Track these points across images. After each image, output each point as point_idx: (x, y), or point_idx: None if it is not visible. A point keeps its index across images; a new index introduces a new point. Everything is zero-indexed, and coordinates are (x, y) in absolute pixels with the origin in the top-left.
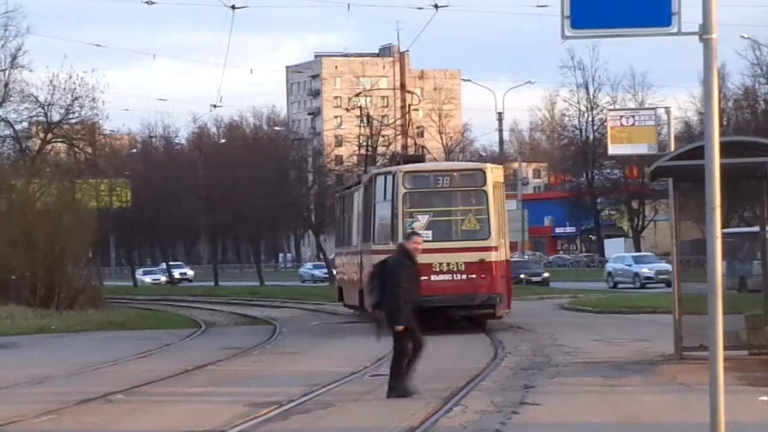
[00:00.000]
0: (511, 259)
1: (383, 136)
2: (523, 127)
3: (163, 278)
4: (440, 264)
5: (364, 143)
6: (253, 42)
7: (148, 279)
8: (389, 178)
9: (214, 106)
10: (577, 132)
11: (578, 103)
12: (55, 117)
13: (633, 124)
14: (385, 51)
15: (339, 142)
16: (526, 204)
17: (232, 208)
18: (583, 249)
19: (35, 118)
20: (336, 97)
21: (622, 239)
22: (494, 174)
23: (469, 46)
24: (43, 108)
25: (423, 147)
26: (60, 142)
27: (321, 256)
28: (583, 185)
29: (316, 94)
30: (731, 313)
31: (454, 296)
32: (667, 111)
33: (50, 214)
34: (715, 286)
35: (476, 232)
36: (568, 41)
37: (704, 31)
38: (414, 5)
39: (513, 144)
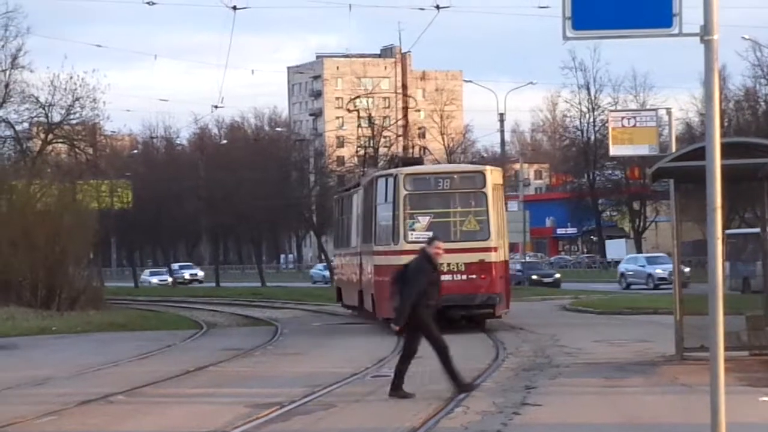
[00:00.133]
0: (526, 261)
1: (385, 137)
2: (525, 128)
3: (171, 279)
4: (440, 264)
5: (364, 145)
6: (254, 42)
7: (155, 280)
8: (390, 180)
9: (216, 106)
10: (579, 133)
11: (579, 104)
12: (56, 118)
13: (634, 125)
14: (386, 52)
15: (341, 143)
16: (528, 205)
17: (233, 209)
18: (585, 250)
19: (36, 119)
20: (337, 98)
21: (623, 240)
22: (494, 176)
23: (470, 47)
24: (43, 109)
25: (425, 148)
26: (61, 142)
27: (323, 257)
28: (585, 186)
29: (317, 94)
30: (732, 314)
31: (455, 296)
32: (669, 112)
33: (51, 215)
34: (716, 287)
35: (476, 233)
36: (570, 42)
37: (705, 33)
38: (415, 6)
39: (514, 145)
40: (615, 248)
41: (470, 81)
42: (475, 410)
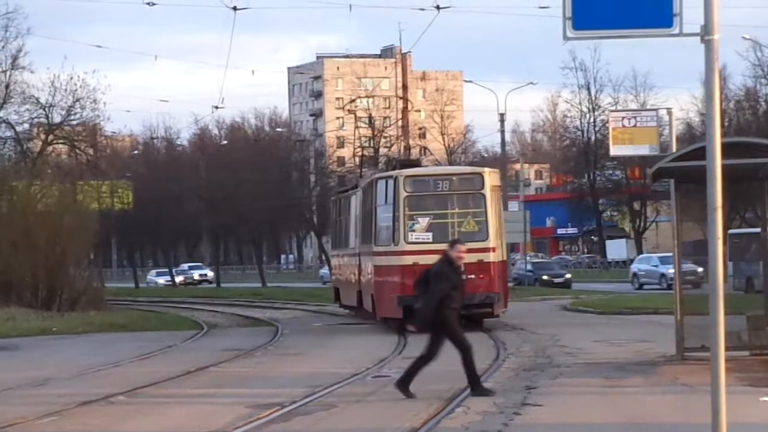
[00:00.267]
0: (537, 261)
1: (385, 137)
2: (525, 128)
3: (177, 279)
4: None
5: (361, 146)
6: (254, 43)
7: (161, 280)
8: (390, 182)
9: (216, 107)
10: (579, 133)
11: (580, 104)
12: (57, 118)
13: (635, 125)
14: (386, 52)
15: (341, 143)
16: (528, 205)
17: (234, 210)
18: (585, 250)
19: (36, 120)
20: (338, 98)
21: (623, 240)
22: (491, 178)
23: (470, 47)
24: (44, 109)
25: (425, 148)
26: (61, 143)
27: (323, 258)
28: (585, 186)
29: (317, 95)
30: (733, 314)
31: None
32: (669, 112)
33: (51, 215)
34: (717, 287)
35: (475, 234)
36: (570, 42)
37: (706, 32)
38: (416, 6)
39: (515, 145)
40: (615, 248)
41: (470, 81)
42: (475, 410)
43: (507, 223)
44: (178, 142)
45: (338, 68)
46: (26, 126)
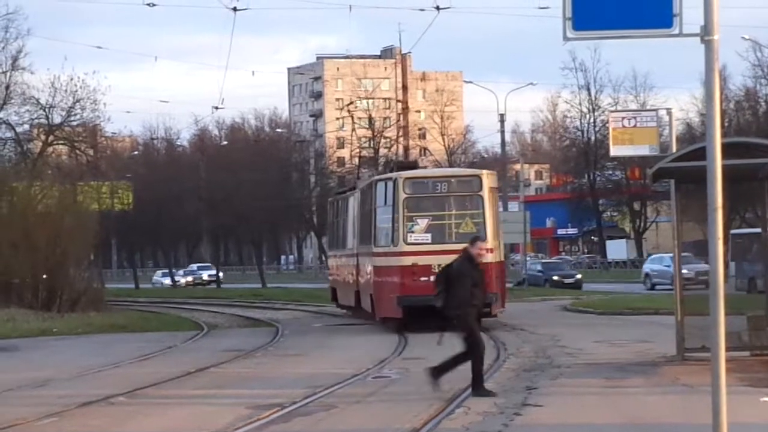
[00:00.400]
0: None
1: (385, 137)
2: (525, 128)
3: (183, 280)
4: (439, 265)
5: (360, 147)
6: (254, 44)
7: (167, 281)
8: (389, 184)
9: (216, 108)
10: (579, 133)
11: (580, 104)
12: (57, 119)
13: (635, 126)
14: (386, 53)
15: (341, 144)
16: (528, 205)
17: (234, 210)
18: (585, 250)
19: (36, 121)
20: (338, 99)
21: (624, 240)
22: (489, 180)
23: (470, 47)
24: (44, 110)
25: (425, 149)
26: (61, 144)
27: (323, 258)
28: (585, 187)
29: (317, 95)
30: (733, 314)
31: None
32: (669, 112)
33: (52, 216)
34: (717, 287)
35: (473, 235)
36: (570, 43)
37: (706, 33)
38: (415, 7)
39: (515, 145)
40: (615, 248)
41: (470, 82)
42: (476, 411)
43: (507, 223)
44: (178, 143)
45: (338, 69)
46: (26, 127)
